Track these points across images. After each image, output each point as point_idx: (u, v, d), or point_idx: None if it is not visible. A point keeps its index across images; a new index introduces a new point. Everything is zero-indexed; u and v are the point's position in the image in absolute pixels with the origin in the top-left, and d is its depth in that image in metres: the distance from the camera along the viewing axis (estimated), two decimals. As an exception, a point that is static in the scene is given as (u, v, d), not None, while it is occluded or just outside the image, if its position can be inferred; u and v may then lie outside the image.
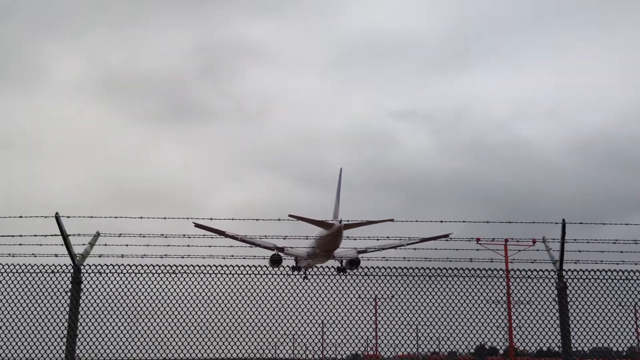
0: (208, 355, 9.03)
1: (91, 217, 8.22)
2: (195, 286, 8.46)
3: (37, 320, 8.50)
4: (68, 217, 7.96)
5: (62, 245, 7.99)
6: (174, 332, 8.61)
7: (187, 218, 8.61)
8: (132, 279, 8.40)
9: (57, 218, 7.85)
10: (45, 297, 8.38)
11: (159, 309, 8.51)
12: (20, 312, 8.60)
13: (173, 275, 8.42)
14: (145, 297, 8.47)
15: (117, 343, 8.62)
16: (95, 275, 8.31)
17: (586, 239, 8.28)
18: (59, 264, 8.32)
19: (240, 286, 8.55)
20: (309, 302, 8.80)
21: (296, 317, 8.92)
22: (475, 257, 8.73)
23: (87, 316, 8.32)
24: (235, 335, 9.08)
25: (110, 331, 8.54)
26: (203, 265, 8.40)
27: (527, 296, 8.85)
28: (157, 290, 8.48)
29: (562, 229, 8.25)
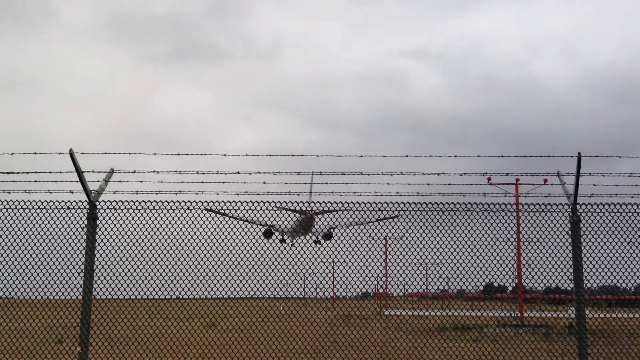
0: (221, 293, 9.15)
1: (105, 153, 8.25)
2: (209, 222, 8.51)
3: (54, 256, 8.62)
4: (82, 153, 7.99)
5: (77, 181, 8.03)
6: (189, 269, 8.71)
7: (201, 154, 8.60)
8: (147, 215, 8.46)
9: (72, 154, 7.86)
10: (62, 233, 8.47)
11: (174, 244, 8.59)
12: (36, 249, 8.71)
13: (187, 211, 8.47)
14: (160, 233, 8.54)
15: (133, 280, 8.73)
16: (110, 211, 8.36)
17: (601, 173, 8.25)
18: (74, 200, 8.38)
19: (254, 220, 8.59)
20: (322, 246, 8.86)
21: (307, 257, 9.00)
22: (489, 192, 8.71)
23: (104, 251, 8.42)
24: (247, 274, 9.18)
25: (126, 267, 8.64)
26: (217, 201, 8.43)
27: (538, 232, 8.84)
28: (172, 226, 8.54)
29: (577, 162, 8.18)
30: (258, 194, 8.31)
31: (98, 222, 8.26)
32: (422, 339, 22.61)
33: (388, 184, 8.32)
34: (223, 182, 8.29)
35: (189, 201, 8.42)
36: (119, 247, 8.45)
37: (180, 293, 8.89)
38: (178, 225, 8.51)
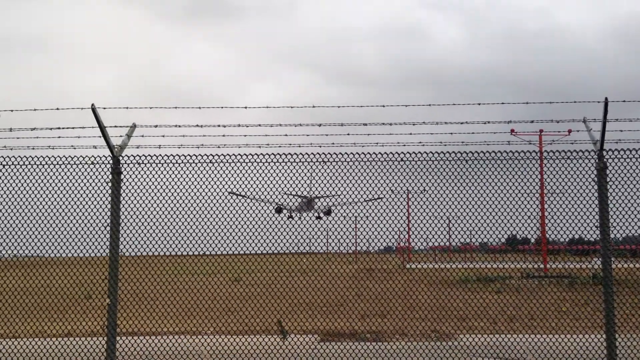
0: (244, 249, 9.22)
1: (126, 108, 8.26)
2: (232, 176, 8.52)
3: (80, 212, 8.72)
4: (104, 108, 8.01)
5: (100, 137, 8.06)
6: (213, 224, 8.77)
7: (222, 107, 8.59)
8: (171, 169, 8.49)
9: (94, 109, 7.88)
10: (87, 189, 8.56)
11: (197, 197, 8.64)
12: (62, 205, 8.81)
13: (210, 165, 8.48)
14: (184, 187, 8.59)
15: (159, 236, 8.83)
16: (134, 165, 8.40)
17: (628, 118, 8.09)
18: (98, 155, 8.42)
19: (277, 174, 8.60)
20: (344, 198, 8.87)
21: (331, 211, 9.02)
22: (513, 141, 8.61)
23: (129, 206, 8.49)
24: (271, 230, 9.22)
25: (152, 223, 8.73)
26: (239, 154, 8.44)
27: (563, 180, 8.74)
28: (195, 179, 8.57)
29: (604, 107, 8.02)
30: (280, 147, 8.30)
31: (122, 176, 8.31)
32: (445, 291, 22.76)
33: (410, 134, 8.25)
34: (244, 136, 8.29)
35: (211, 155, 8.43)
36: (143, 202, 8.52)
37: (205, 249, 8.97)
38: (201, 179, 8.54)
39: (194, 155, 8.38)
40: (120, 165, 8.23)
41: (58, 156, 8.47)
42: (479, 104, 8.22)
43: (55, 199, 8.75)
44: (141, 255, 8.84)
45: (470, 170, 8.80)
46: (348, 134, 8.19)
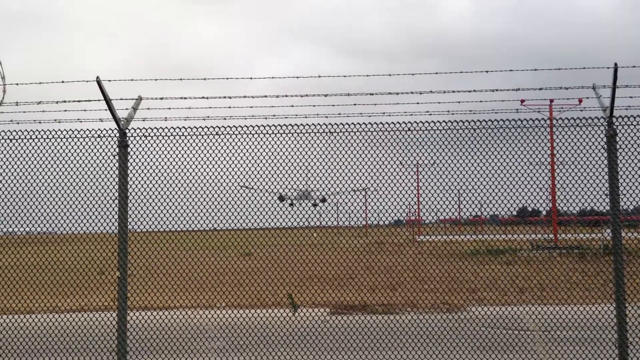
0: (253, 224, 9.22)
1: (132, 80, 8.21)
2: (240, 148, 8.48)
3: (87, 186, 8.74)
4: (109, 80, 7.96)
5: (106, 110, 8.01)
6: (222, 198, 8.75)
7: (227, 78, 8.50)
8: (177, 141, 8.45)
9: (99, 82, 7.83)
10: (94, 163, 8.55)
11: (204, 170, 8.61)
12: (70, 179, 8.82)
13: (216, 136, 8.43)
14: (191, 159, 8.56)
15: (168, 210, 8.83)
16: (141, 138, 8.36)
17: (639, 84, 7.96)
18: (104, 129, 8.39)
19: (284, 146, 8.56)
20: (352, 172, 8.83)
21: (339, 185, 8.97)
22: (522, 108, 8.51)
23: (137, 179, 8.47)
24: (279, 204, 9.21)
25: (160, 197, 8.72)
26: (245, 125, 8.38)
27: (572, 148, 8.63)
28: (201, 151, 8.53)
29: (613, 73, 7.88)
30: (286, 117, 8.24)
31: (129, 149, 8.28)
32: (455, 263, 22.78)
33: (417, 103, 8.15)
34: (250, 107, 8.23)
35: (217, 126, 8.38)
36: (151, 175, 8.50)
37: (215, 224, 8.98)
38: (207, 151, 8.49)
39: (200, 127, 8.33)
40: (127, 138, 8.20)
41: (65, 130, 8.44)
42: (487, 72, 8.12)
43: (63, 173, 8.73)
44: (151, 231, 8.85)
45: (479, 140, 8.72)
46: (354, 104, 8.12)
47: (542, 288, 16.98)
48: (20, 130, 8.58)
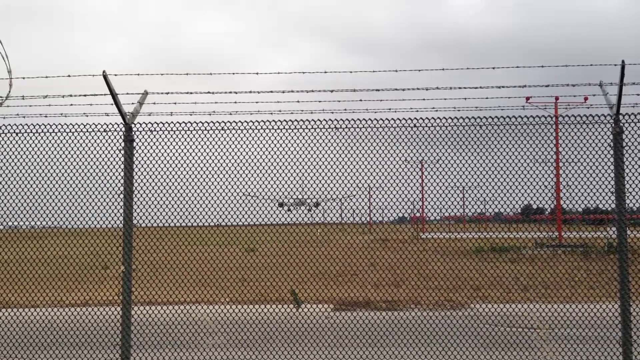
0: (259, 219, 9.22)
1: (138, 74, 8.22)
2: (245, 143, 8.48)
3: (93, 181, 8.75)
4: (115, 75, 7.97)
5: (112, 104, 8.02)
6: (227, 193, 8.75)
7: (233, 73, 8.49)
8: (183, 136, 8.44)
9: (105, 76, 7.83)
10: (100, 157, 8.56)
11: (209, 164, 8.60)
12: (75, 174, 8.82)
13: (222, 131, 8.43)
14: (196, 154, 8.55)
15: (174, 206, 8.83)
16: (146, 133, 8.36)
17: (646, 82, 7.92)
18: (110, 123, 8.39)
19: (288, 142, 8.54)
20: (356, 168, 8.82)
21: (344, 182, 8.95)
22: (528, 105, 8.49)
23: (142, 174, 8.48)
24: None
25: (166, 193, 8.73)
26: (251, 121, 8.38)
27: (578, 145, 8.60)
28: (207, 146, 8.53)
29: (620, 70, 7.85)
30: (292, 113, 8.22)
31: (135, 144, 8.28)
32: (459, 261, 22.77)
33: (423, 99, 8.14)
34: (256, 102, 8.22)
35: (222, 122, 8.38)
36: (156, 169, 8.50)
37: (219, 220, 8.97)
38: (213, 147, 8.49)
39: (206, 122, 8.33)
40: (133, 133, 8.20)
41: (70, 124, 8.45)
42: (494, 68, 8.08)
43: (68, 167, 8.73)
44: (156, 226, 8.86)
45: (484, 136, 8.69)
46: (360, 100, 8.10)
47: (546, 286, 16.96)
48: (26, 124, 8.60)
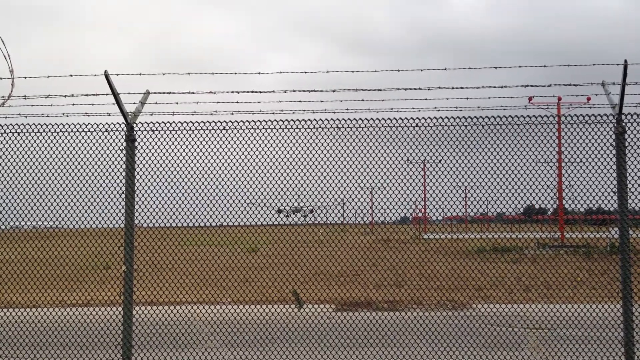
0: (259, 220, 9.21)
1: (140, 74, 8.21)
2: (247, 144, 8.47)
3: (94, 181, 8.74)
4: (117, 74, 7.96)
5: (114, 104, 8.01)
6: (229, 194, 8.74)
7: (235, 73, 8.49)
8: (184, 136, 8.43)
9: (107, 76, 7.83)
10: (101, 157, 8.55)
11: (211, 164, 8.59)
12: (77, 174, 8.82)
13: (224, 131, 8.42)
14: (197, 154, 8.54)
15: (175, 205, 8.82)
16: (148, 133, 8.36)
17: (649, 81, 7.91)
18: (112, 123, 8.38)
19: (290, 142, 8.53)
20: (358, 168, 8.80)
21: (346, 182, 8.93)
22: (530, 105, 8.47)
23: (144, 174, 8.47)
24: (283, 196, 9.18)
25: (167, 192, 8.72)
26: (252, 120, 8.37)
27: (581, 145, 8.58)
28: (208, 146, 8.51)
29: (623, 70, 7.84)
30: (294, 113, 8.21)
31: (136, 144, 8.27)
32: (461, 261, 22.75)
33: (426, 99, 8.13)
34: (258, 102, 8.21)
35: (224, 121, 8.37)
36: (158, 169, 8.49)
37: (220, 220, 8.96)
38: (215, 146, 8.48)
39: (208, 122, 8.32)
40: (134, 133, 8.19)
41: (72, 123, 8.44)
42: (496, 68, 8.06)
43: (70, 167, 8.73)
44: (158, 226, 8.85)
45: (486, 136, 8.68)
46: (362, 100, 8.10)
47: (549, 286, 16.94)
48: (28, 124, 8.60)
